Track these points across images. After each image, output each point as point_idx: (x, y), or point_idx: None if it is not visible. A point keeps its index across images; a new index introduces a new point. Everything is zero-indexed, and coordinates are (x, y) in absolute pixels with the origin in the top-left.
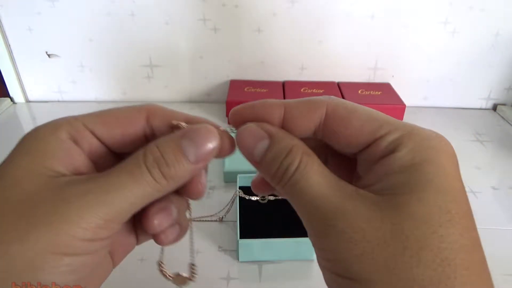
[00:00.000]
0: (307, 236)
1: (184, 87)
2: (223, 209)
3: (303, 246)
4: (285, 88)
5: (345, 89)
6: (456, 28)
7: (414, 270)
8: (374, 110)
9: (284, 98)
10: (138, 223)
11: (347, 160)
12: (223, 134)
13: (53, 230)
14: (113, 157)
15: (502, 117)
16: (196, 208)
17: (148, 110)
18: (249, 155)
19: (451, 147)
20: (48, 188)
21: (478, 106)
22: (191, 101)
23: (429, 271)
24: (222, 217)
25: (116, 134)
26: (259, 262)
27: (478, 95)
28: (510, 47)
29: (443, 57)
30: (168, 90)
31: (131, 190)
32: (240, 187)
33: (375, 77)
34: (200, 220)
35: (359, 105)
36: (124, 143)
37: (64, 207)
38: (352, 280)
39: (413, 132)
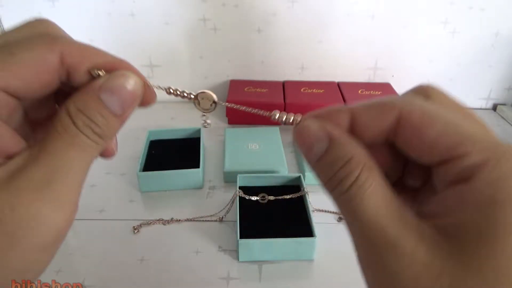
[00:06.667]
0: (307, 236)
1: (184, 87)
2: (223, 209)
3: (303, 246)
4: (285, 88)
5: (345, 89)
6: (456, 28)
7: None
8: (462, 119)
9: (284, 98)
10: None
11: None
12: (141, 79)
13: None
14: (19, 104)
15: (502, 117)
16: (196, 208)
17: (62, 50)
18: (305, 155)
19: None
20: None
21: (478, 106)
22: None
23: None
24: (222, 217)
25: (29, 85)
26: (259, 262)
27: (478, 95)
28: (510, 47)
29: (443, 57)
30: None
31: (82, 162)
32: (240, 187)
33: (375, 77)
34: (200, 220)
35: (442, 110)
36: (33, 91)
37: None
38: None
39: (503, 156)
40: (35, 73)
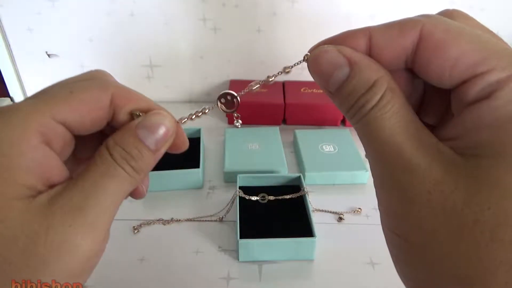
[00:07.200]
0: (307, 236)
1: (184, 87)
2: (223, 209)
3: (303, 246)
4: (285, 88)
5: None
6: None
7: (483, 248)
8: (488, 37)
9: (284, 98)
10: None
11: (447, 94)
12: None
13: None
14: (72, 139)
15: None
16: (196, 208)
17: (113, 93)
18: (323, 84)
19: None
20: (28, 221)
21: None
22: (191, 101)
23: (502, 252)
24: (222, 217)
25: (84, 120)
26: (259, 262)
27: None
28: None
29: None
30: (168, 90)
31: (115, 192)
32: (240, 187)
33: None
34: (200, 220)
35: (467, 28)
36: (86, 127)
37: (54, 246)
38: (407, 243)
39: None
40: (89, 110)
